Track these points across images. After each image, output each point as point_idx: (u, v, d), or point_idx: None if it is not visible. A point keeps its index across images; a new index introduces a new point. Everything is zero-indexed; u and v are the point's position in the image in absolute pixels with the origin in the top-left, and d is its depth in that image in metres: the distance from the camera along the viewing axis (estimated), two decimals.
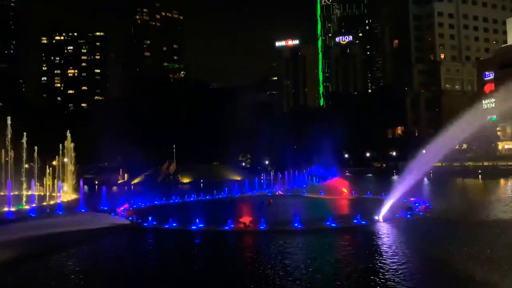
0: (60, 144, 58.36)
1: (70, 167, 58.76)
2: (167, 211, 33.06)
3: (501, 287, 15.34)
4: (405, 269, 17.54)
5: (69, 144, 58.35)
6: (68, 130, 58.73)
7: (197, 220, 27.90)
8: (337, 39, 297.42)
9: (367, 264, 18.39)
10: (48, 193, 51.86)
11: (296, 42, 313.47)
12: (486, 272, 16.73)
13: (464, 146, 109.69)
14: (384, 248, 21.77)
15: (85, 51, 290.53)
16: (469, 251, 20.23)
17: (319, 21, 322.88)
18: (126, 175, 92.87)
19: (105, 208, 39.41)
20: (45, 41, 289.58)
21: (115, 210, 36.74)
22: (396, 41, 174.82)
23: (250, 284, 16.07)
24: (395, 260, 18.84)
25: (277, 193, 53.79)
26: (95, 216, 32.68)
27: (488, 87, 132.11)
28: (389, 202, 30.44)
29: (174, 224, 28.67)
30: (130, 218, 32.45)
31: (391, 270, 17.33)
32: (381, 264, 18.30)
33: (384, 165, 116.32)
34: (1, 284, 17.28)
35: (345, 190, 47.69)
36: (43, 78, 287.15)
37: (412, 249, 21.50)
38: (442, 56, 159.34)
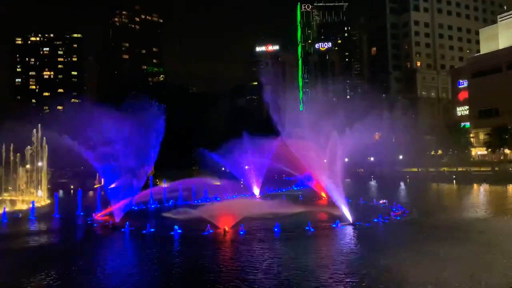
0: (34, 148, 56.74)
1: (44, 171, 57.21)
2: (145, 216, 32.55)
3: None
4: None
5: (43, 148, 56.79)
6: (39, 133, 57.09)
7: (176, 226, 27.61)
8: (316, 46, 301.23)
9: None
10: (21, 198, 50.37)
11: (276, 47, 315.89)
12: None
13: (440, 152, 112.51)
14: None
15: (61, 52, 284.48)
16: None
17: (299, 27, 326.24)
18: (102, 179, 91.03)
19: (82, 213, 38.53)
20: (19, 42, 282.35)
21: (92, 215, 36.01)
22: (373, 49, 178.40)
23: None
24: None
25: (256, 198, 53.71)
26: None
27: (462, 95, 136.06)
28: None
29: (151, 230, 28.30)
30: (107, 223, 31.94)
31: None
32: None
33: (362, 170, 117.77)
34: None
35: (323, 194, 48.05)
36: (17, 80, 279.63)
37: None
38: (418, 64, 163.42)
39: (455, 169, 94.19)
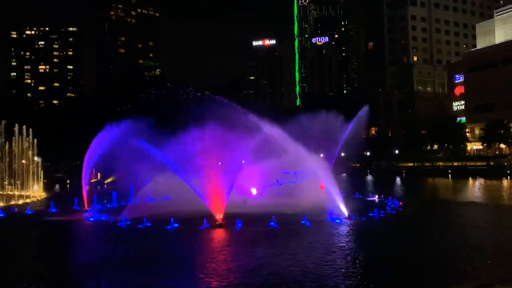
0: (30, 142, 56.56)
1: (41, 166, 57.08)
2: (142, 210, 32.55)
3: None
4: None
5: (33, 144, 56.53)
6: (36, 128, 56.94)
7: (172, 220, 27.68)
8: (313, 40, 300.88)
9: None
10: (17, 193, 50.27)
11: (273, 42, 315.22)
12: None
13: (435, 146, 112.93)
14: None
15: (57, 46, 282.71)
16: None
17: (296, 21, 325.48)
18: (99, 174, 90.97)
19: (78, 207, 38.51)
20: (14, 36, 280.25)
21: (88, 209, 36.00)
22: (370, 43, 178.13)
23: None
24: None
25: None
26: None
27: (458, 90, 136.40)
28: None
29: (148, 224, 28.35)
30: (104, 218, 31.95)
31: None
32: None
33: (358, 165, 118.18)
34: None
35: (321, 189, 48.14)
36: (12, 74, 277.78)
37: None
38: (415, 58, 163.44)
39: (450, 164, 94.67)
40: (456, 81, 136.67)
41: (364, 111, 55.94)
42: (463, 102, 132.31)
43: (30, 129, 55.25)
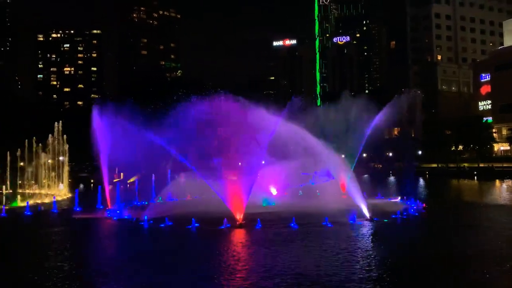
0: (55, 142, 58.00)
1: (66, 165, 58.45)
2: (164, 210, 32.90)
3: None
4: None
5: (64, 142, 57.96)
6: (62, 128, 58.29)
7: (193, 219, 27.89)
8: (334, 40, 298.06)
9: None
10: (43, 191, 51.62)
11: (294, 42, 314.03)
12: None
13: (460, 147, 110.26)
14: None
15: (81, 49, 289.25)
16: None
17: (316, 21, 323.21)
18: (121, 174, 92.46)
19: (101, 206, 39.23)
20: (41, 39, 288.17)
21: (111, 208, 36.63)
22: (393, 42, 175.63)
23: None
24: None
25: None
26: None
27: (484, 89, 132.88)
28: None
29: (169, 223, 28.63)
30: (127, 217, 32.44)
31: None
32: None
33: (380, 166, 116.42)
34: None
35: (342, 190, 47.59)
36: (39, 76, 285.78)
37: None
38: (439, 57, 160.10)
39: (476, 165, 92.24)
40: (482, 80, 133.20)
41: (385, 111, 55.05)
42: (489, 101, 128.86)
43: (60, 129, 56.66)
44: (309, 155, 35.92)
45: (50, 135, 55.94)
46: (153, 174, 48.51)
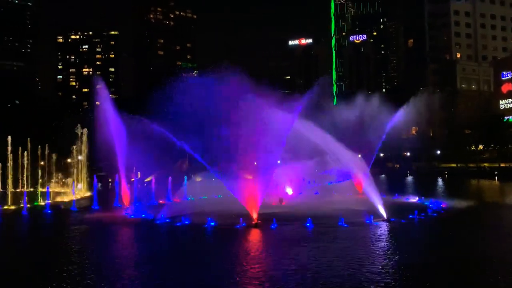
0: (74, 141, 59.01)
1: (85, 165, 59.39)
2: (180, 209, 33.18)
3: None
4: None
5: (84, 142, 58.91)
6: (82, 128, 59.27)
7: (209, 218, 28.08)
8: (350, 38, 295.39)
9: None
10: (62, 190, 52.58)
11: (309, 41, 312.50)
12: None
13: (480, 147, 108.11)
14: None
15: (99, 49, 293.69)
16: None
17: (332, 19, 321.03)
18: (139, 173, 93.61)
19: (119, 205, 39.79)
20: (60, 40, 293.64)
21: (128, 207, 37.15)
22: (410, 41, 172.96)
23: None
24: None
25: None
26: None
27: (505, 87, 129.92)
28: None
29: (186, 222, 28.88)
30: (143, 215, 32.88)
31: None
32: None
33: (398, 165, 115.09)
34: None
35: (359, 189, 47.24)
36: (58, 77, 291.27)
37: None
38: (458, 55, 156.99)
39: (497, 165, 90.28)
40: (504, 78, 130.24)
41: (403, 110, 54.41)
42: (511, 100, 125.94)
43: (85, 129, 57.54)
44: (325, 154, 35.74)
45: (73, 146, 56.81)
46: (169, 174, 49.03)
